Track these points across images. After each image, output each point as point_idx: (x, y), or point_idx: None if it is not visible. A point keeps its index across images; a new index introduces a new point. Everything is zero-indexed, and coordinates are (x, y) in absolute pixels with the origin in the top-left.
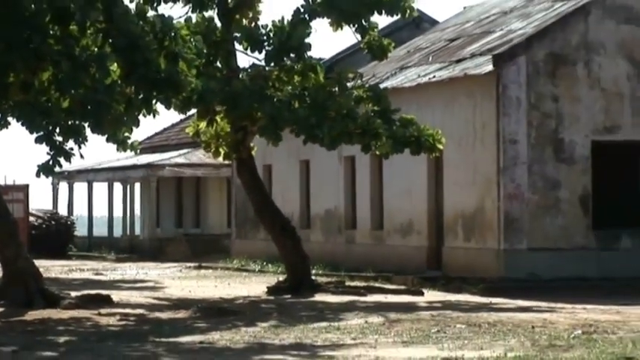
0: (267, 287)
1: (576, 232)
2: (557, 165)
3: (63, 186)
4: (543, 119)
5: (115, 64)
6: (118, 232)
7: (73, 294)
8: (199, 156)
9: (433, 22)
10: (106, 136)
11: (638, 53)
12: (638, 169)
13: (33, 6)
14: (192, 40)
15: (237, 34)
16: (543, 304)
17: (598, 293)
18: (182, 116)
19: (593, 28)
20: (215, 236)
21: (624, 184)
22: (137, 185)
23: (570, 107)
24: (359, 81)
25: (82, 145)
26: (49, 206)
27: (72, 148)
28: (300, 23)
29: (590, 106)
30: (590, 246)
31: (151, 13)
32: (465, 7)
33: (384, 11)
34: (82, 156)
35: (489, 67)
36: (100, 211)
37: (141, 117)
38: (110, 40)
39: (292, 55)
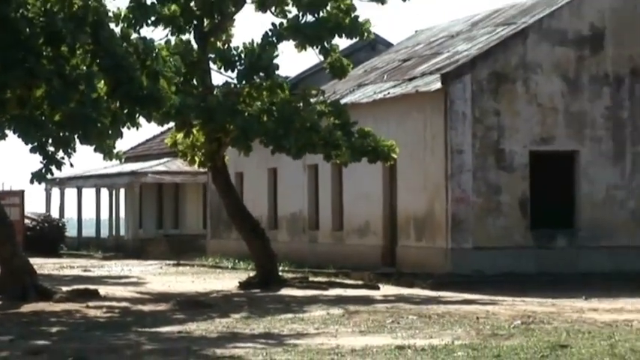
0: (239, 282)
1: (516, 232)
2: (499, 172)
3: (55, 191)
4: (486, 131)
5: (102, 82)
6: (104, 233)
7: (64, 289)
8: (178, 164)
9: (387, 45)
10: (94, 146)
11: (571, 72)
12: (571, 175)
13: (28, 30)
14: (171, 60)
15: (212, 55)
16: (486, 298)
17: (535, 287)
18: (162, 128)
19: (531, 50)
20: (192, 236)
21: (559, 189)
22: (122, 191)
23: (510, 121)
24: (321, 97)
25: (72, 155)
26: (42, 210)
27: (63, 158)
28: (268, 45)
29: (528, 119)
30: (529, 245)
31: (134, 36)
32: (416, 31)
33: (343, 34)
34: (71, 165)
35: (438, 85)
36: (89, 214)
37: (125, 129)
38: (97, 60)
39: (261, 74)
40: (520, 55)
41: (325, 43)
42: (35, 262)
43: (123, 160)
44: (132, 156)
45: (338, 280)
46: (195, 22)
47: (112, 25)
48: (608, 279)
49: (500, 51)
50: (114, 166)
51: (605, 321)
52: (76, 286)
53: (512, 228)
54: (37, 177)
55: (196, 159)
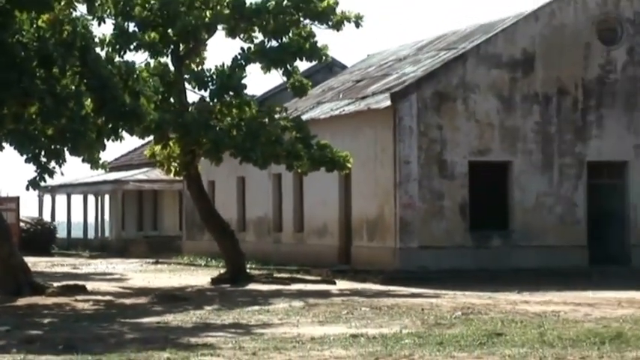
0: (211, 278)
1: (456, 234)
2: (442, 180)
3: (47, 198)
4: (430, 144)
5: (89, 100)
6: (91, 234)
7: (55, 284)
8: (156, 173)
9: (342, 67)
10: (82, 157)
11: (505, 92)
12: (505, 183)
13: (23, 53)
14: (150, 80)
15: (187, 76)
16: (431, 291)
17: (474, 282)
18: (142, 141)
19: (470, 72)
20: (169, 238)
21: (494, 196)
22: (107, 197)
23: (451, 134)
24: (284, 114)
25: (62, 165)
26: (36, 214)
27: (54, 167)
28: (237, 68)
29: (467, 133)
30: (468, 244)
31: (117, 59)
32: (368, 55)
33: (304, 58)
34: (62, 173)
35: (387, 103)
36: (77, 217)
37: (110, 142)
38: (85, 81)
39: (231, 93)
40: (460, 77)
41: (288, 66)
42: (29, 260)
43: (107, 169)
44: (115, 166)
45: (299, 276)
46: (172, 47)
47: (98, 50)
48: (538, 274)
49: (442, 73)
50: (99, 175)
51: (535, 312)
52: (65, 282)
53: (453, 230)
54: (32, 184)
55: (172, 169)
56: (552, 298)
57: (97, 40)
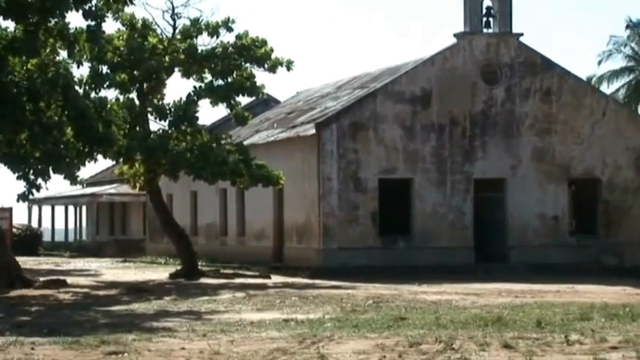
0: (169, 274)
1: (368, 237)
2: (356, 194)
3: (34, 208)
4: (347, 164)
5: (69, 128)
6: (71, 238)
7: (41, 279)
8: (125, 188)
9: (276, 101)
10: (63, 175)
11: (407, 122)
12: (408, 196)
13: (15, 90)
14: (120, 112)
15: (150, 109)
16: (348, 284)
17: (382, 277)
18: (113, 162)
19: (379, 106)
20: (135, 240)
21: (399, 206)
22: (84, 207)
23: (365, 157)
24: (229, 140)
25: (47, 181)
26: (25, 221)
27: (40, 183)
28: (191, 102)
29: (377, 156)
30: (377, 246)
31: (93, 95)
32: (297, 92)
33: (245, 94)
34: (47, 188)
35: (313, 131)
36: (59, 224)
37: (86, 162)
38: (66, 112)
39: (186, 122)
40: (371, 110)
41: (232, 101)
42: (20, 259)
43: (84, 185)
44: (91, 182)
45: (241, 272)
46: (137, 86)
47: (77, 87)
48: (435, 271)
49: (357, 107)
50: (78, 190)
51: (432, 300)
52: (49, 277)
53: (366, 234)
54: (22, 197)
55: (138, 184)
56: (446, 289)
57: (76, 79)
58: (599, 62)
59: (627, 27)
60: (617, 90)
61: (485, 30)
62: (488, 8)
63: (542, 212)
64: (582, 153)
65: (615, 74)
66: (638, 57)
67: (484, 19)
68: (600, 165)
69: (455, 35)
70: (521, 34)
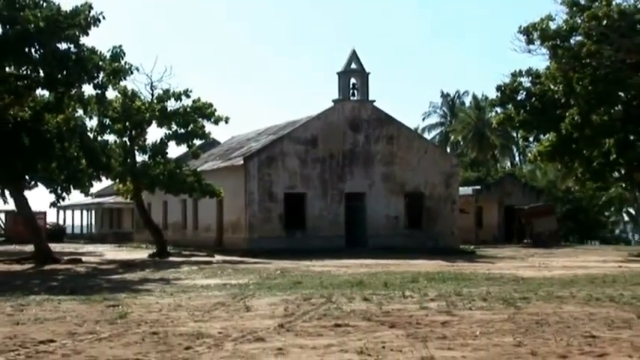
0: (149, 254)
1: (277, 230)
2: (270, 203)
3: (61, 212)
4: (264, 184)
5: (83, 160)
6: (85, 231)
7: (65, 258)
8: (120, 199)
9: (218, 142)
10: (79, 190)
11: (303, 156)
12: (303, 204)
13: (48, 136)
14: (117, 150)
15: (136, 147)
16: (265, 260)
17: (286, 256)
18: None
19: (285, 146)
20: (127, 233)
21: (298, 211)
22: (93, 211)
23: (275, 178)
24: (188, 167)
25: (69, 194)
26: (55, 220)
27: (64, 196)
28: (163, 143)
29: (283, 178)
30: (283, 235)
31: (99, 139)
32: (232, 136)
33: (198, 138)
34: (69, 199)
35: (242, 162)
36: (77, 222)
37: (94, 182)
38: (81, 150)
39: (160, 156)
40: (280, 148)
41: (189, 142)
42: (51, 245)
43: (93, 196)
44: (98, 194)
45: (195, 253)
46: (128, 132)
47: (89, 133)
48: (322, 252)
49: (271, 147)
50: (89, 200)
51: (318, 271)
52: (70, 257)
53: (276, 228)
54: (52, 205)
55: (128, 197)
56: (327, 263)
57: (88, 128)
58: (423, 118)
59: (441, 96)
60: (434, 137)
61: (351, 97)
62: (353, 84)
63: (388, 214)
64: (413, 176)
65: (433, 126)
66: (446, 116)
67: (351, 90)
68: (424, 184)
69: (333, 101)
70: (374, 100)
